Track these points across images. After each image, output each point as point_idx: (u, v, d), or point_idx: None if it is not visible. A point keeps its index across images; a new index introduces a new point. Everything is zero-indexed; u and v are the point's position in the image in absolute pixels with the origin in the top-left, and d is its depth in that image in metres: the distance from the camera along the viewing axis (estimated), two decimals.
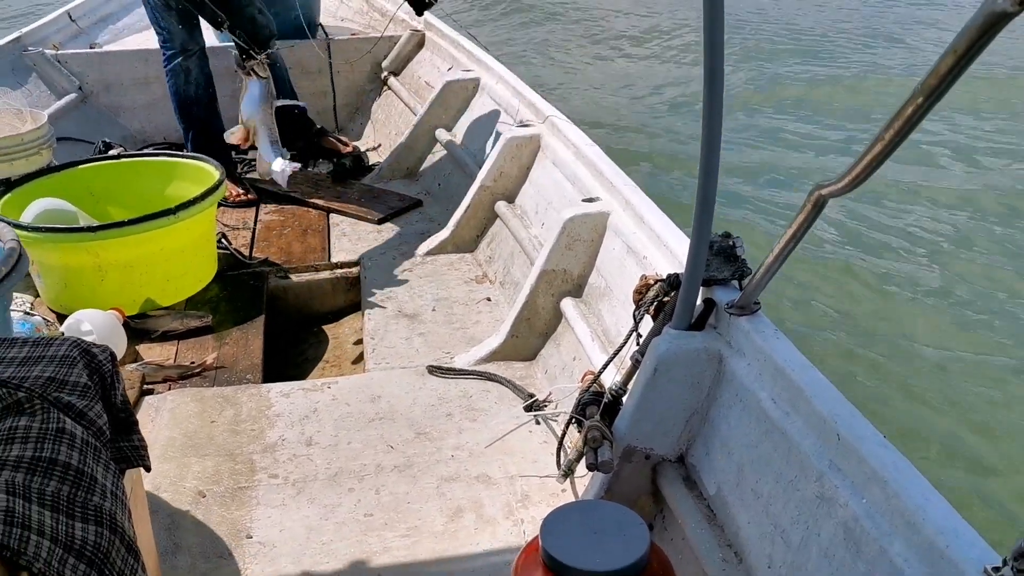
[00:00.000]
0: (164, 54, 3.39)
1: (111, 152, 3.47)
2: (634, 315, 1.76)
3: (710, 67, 1.34)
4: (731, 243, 1.67)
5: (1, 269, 1.59)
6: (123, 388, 1.27)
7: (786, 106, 7.41)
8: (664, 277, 1.73)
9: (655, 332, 1.69)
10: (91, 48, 4.24)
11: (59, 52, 4.00)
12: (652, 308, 1.75)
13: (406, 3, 3.33)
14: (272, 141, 3.05)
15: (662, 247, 2.00)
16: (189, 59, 3.36)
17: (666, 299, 1.72)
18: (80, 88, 3.98)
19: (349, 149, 3.87)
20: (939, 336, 3.93)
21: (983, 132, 6.36)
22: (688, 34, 10.01)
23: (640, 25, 10.71)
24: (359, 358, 2.62)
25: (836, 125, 6.84)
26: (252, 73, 2.83)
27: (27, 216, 2.58)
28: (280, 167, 3.03)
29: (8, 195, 2.70)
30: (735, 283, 1.67)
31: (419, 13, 3.46)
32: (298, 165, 3.09)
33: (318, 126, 3.90)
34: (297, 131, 3.74)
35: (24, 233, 2.39)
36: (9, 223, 2.28)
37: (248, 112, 3.05)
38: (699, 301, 1.65)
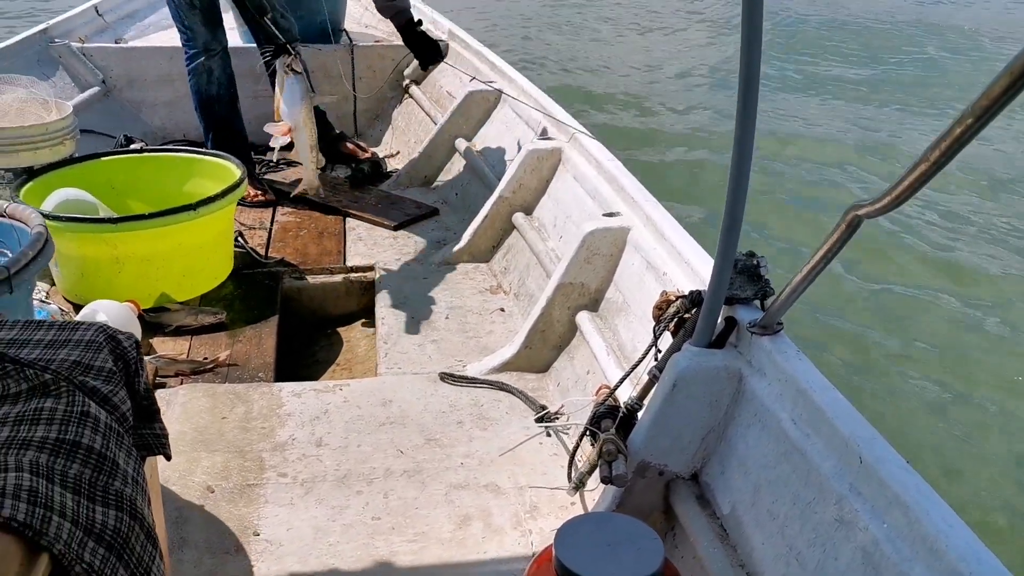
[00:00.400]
0: (186, 53, 3.40)
1: (133, 146, 3.49)
2: (654, 330, 1.75)
3: (745, 80, 1.34)
4: (755, 262, 1.67)
5: (28, 253, 1.60)
6: (146, 376, 1.27)
7: (818, 123, 7.41)
8: (686, 293, 1.73)
9: (675, 348, 1.69)
10: (116, 43, 4.26)
11: (85, 45, 4.03)
12: (672, 324, 1.75)
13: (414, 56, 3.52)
14: (312, 146, 2.96)
15: (682, 264, 2.00)
16: (212, 59, 3.38)
17: (687, 316, 1.72)
18: (104, 82, 4.00)
19: (367, 155, 3.88)
20: (963, 358, 3.91)
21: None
22: (719, 47, 10.01)
23: (667, 41, 10.72)
24: (371, 362, 2.62)
25: (873, 141, 6.83)
26: (289, 71, 2.82)
27: (48, 205, 2.59)
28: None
29: (31, 183, 2.71)
30: (757, 303, 1.67)
31: (424, 67, 3.54)
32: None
33: (337, 131, 3.91)
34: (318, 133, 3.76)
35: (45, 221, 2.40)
36: (34, 210, 2.29)
37: (289, 112, 2.95)
38: (721, 319, 1.65)
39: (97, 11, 4.45)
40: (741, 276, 1.66)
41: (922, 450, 3.25)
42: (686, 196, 5.60)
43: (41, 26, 4.01)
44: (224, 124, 3.48)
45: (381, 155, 4.02)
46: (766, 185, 5.88)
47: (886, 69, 9.24)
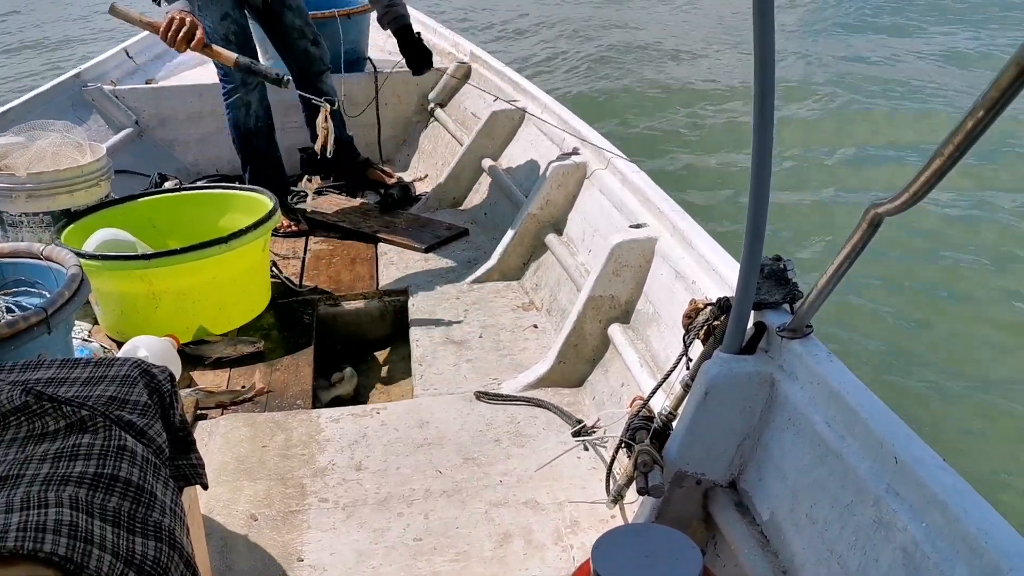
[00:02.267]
0: (224, 88, 3.43)
1: (167, 184, 3.57)
2: (684, 339, 1.75)
3: (760, 87, 1.34)
4: (782, 266, 1.66)
5: (64, 294, 1.64)
6: (181, 408, 1.29)
7: (836, 122, 7.34)
8: (714, 301, 1.73)
9: (705, 356, 1.68)
10: (147, 84, 4.36)
11: (117, 87, 4.13)
12: (702, 332, 1.74)
13: (406, 63, 3.53)
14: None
15: (711, 272, 1.99)
16: (249, 93, 3.41)
17: (716, 323, 1.71)
18: (136, 122, 4.09)
19: (394, 180, 3.93)
20: (995, 350, 3.84)
21: None
22: (735, 56, 9.98)
23: (684, 50, 10.71)
24: (407, 384, 2.64)
25: (891, 137, 6.76)
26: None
27: (88, 245, 2.65)
28: None
29: (71, 226, 2.77)
30: (786, 306, 1.66)
31: (416, 73, 3.57)
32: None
33: (363, 157, 3.96)
34: (344, 161, 3.82)
35: (82, 261, 2.46)
36: (69, 251, 2.35)
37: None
38: (750, 324, 1.64)
39: (127, 54, 4.56)
40: (768, 280, 1.65)
41: (959, 447, 3.19)
42: (711, 203, 5.58)
43: (74, 71, 4.12)
44: (262, 156, 3.53)
45: (409, 179, 4.06)
46: (789, 184, 5.83)
47: (907, 62, 9.15)
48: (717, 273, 1.96)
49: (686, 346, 1.74)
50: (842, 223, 5.20)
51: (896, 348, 3.92)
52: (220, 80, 3.43)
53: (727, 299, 1.69)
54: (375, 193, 3.91)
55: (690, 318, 1.77)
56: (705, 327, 1.72)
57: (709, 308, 1.72)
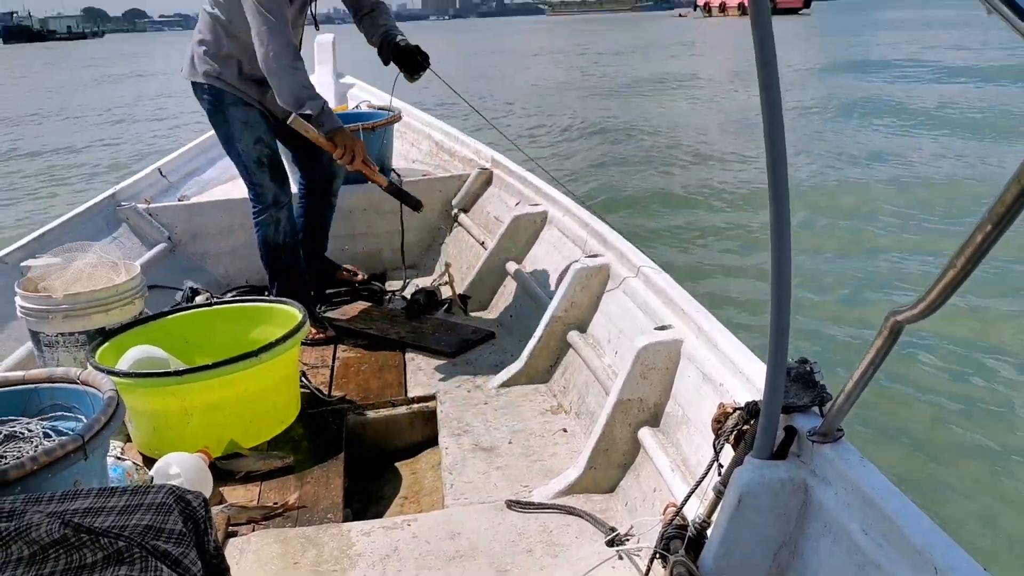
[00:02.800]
0: (254, 208, 3.54)
1: (198, 299, 3.64)
2: (714, 444, 1.74)
3: (774, 189, 1.37)
4: (808, 368, 1.66)
5: (100, 419, 1.67)
6: (215, 534, 1.30)
7: (852, 216, 7.41)
8: (743, 405, 1.72)
9: (736, 462, 1.67)
10: (180, 200, 4.50)
11: (150, 206, 4.26)
12: (731, 437, 1.74)
13: (402, 75, 3.54)
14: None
15: (738, 374, 2.00)
16: (280, 211, 3.53)
17: (746, 427, 1.71)
18: (169, 238, 4.20)
19: (360, 276, 4.12)
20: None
21: None
22: (751, 153, 10.16)
23: (704, 149, 10.90)
24: (437, 493, 2.62)
25: (908, 233, 6.80)
26: None
27: (122, 364, 2.70)
28: None
29: (105, 344, 2.83)
30: (815, 409, 1.65)
31: (411, 76, 3.55)
32: None
33: (330, 261, 4.15)
34: (322, 276, 4.04)
35: (115, 379, 2.50)
36: (102, 370, 2.40)
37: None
38: (780, 429, 1.63)
39: (161, 173, 4.71)
40: (796, 384, 1.65)
41: (998, 555, 3.09)
42: (735, 302, 5.60)
43: (109, 191, 4.26)
44: (289, 271, 3.61)
45: (434, 284, 4.12)
46: (812, 286, 5.85)
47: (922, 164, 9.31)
48: (744, 375, 1.97)
49: (716, 451, 1.74)
50: (867, 316, 5.20)
51: (924, 444, 3.86)
52: (251, 200, 3.54)
53: (755, 403, 1.69)
54: (401, 299, 3.97)
55: (719, 423, 1.77)
56: (735, 431, 1.72)
57: (738, 413, 1.72)
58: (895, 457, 3.71)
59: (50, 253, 3.31)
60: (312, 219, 3.96)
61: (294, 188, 4.01)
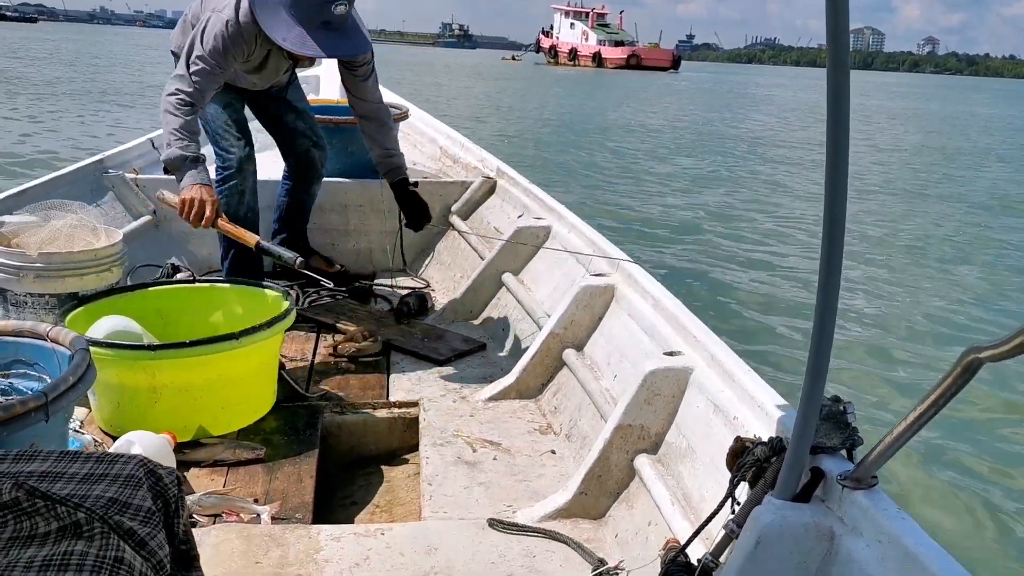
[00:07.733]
0: (219, 175, 3.47)
1: (179, 275, 3.48)
2: (731, 479, 1.61)
3: (830, 217, 1.25)
4: (842, 408, 1.54)
5: (68, 379, 1.51)
6: (186, 517, 1.15)
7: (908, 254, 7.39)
8: (765, 440, 1.60)
9: (755, 500, 1.54)
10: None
11: (138, 176, 4.09)
12: (749, 473, 1.61)
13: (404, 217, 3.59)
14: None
15: (755, 408, 1.87)
16: (245, 181, 3.48)
17: (767, 464, 1.58)
18: (154, 212, 4.03)
19: (335, 269, 3.99)
20: None
21: None
22: (781, 180, 10.12)
23: (725, 175, 10.89)
24: (414, 504, 2.47)
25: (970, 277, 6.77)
26: None
27: (93, 332, 2.53)
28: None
29: (78, 310, 2.66)
30: (843, 453, 1.53)
31: (415, 228, 3.62)
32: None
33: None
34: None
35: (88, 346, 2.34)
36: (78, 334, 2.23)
37: None
38: (806, 469, 1.51)
39: (153, 144, 4.55)
40: (826, 423, 1.53)
41: None
42: (748, 332, 5.50)
43: (97, 156, 4.10)
44: (244, 251, 3.46)
45: (426, 288, 3.99)
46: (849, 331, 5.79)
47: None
48: (762, 410, 1.84)
49: (732, 486, 1.61)
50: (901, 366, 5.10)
51: (957, 495, 3.74)
52: (217, 167, 3.48)
53: (780, 439, 1.56)
54: (388, 300, 3.83)
55: (737, 456, 1.64)
56: (755, 467, 1.59)
57: (760, 447, 1.59)
58: (926, 510, 3.59)
59: (27, 209, 3.16)
60: (292, 197, 3.95)
61: (277, 174, 3.94)
